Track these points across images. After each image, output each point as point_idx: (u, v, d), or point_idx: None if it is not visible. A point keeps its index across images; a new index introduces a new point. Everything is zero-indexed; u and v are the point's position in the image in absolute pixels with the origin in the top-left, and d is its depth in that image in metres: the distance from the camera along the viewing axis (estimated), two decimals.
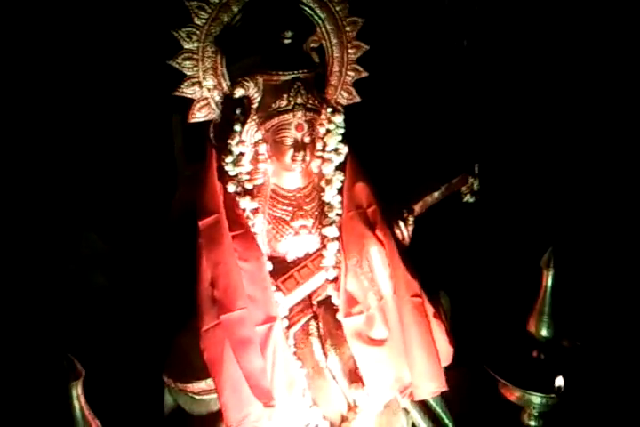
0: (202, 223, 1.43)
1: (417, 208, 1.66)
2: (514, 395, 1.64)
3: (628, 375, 1.90)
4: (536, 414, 1.63)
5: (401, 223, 1.61)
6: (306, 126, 1.45)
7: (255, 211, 1.50)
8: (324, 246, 1.56)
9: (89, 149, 2.03)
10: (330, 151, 1.54)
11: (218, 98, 1.48)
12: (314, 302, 1.57)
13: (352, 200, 1.56)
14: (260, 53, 1.45)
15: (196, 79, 1.45)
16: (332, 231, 1.55)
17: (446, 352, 1.60)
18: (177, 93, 1.45)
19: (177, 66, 1.43)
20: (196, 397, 1.48)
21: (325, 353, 1.55)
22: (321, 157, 1.54)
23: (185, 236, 1.47)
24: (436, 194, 1.69)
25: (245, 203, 1.49)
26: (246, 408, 1.38)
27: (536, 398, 1.60)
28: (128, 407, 1.67)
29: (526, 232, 2.12)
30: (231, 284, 1.40)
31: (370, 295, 1.53)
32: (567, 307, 1.65)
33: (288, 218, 1.54)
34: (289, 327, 1.52)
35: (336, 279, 1.56)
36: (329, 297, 1.57)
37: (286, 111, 1.42)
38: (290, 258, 1.56)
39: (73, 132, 2.02)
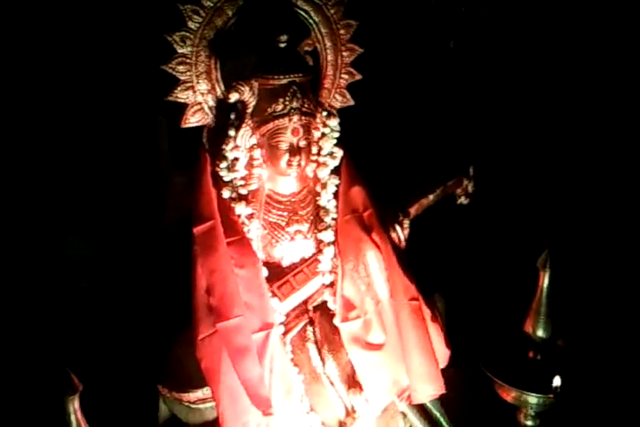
0: (197, 230, 1.42)
1: (412, 211, 1.66)
2: (510, 395, 1.65)
3: (625, 375, 1.91)
4: (532, 414, 1.64)
5: (397, 227, 1.61)
6: (301, 130, 1.44)
7: (250, 216, 1.49)
8: (320, 251, 1.55)
9: (74, 152, 2.01)
10: (325, 155, 1.53)
11: (211, 102, 1.47)
12: (310, 308, 1.56)
13: (348, 204, 1.55)
14: (256, 57, 1.43)
15: (190, 84, 1.44)
16: (327, 236, 1.54)
17: (443, 355, 1.61)
18: (170, 98, 1.43)
19: (170, 70, 1.41)
20: (192, 406, 1.47)
21: (322, 359, 1.54)
22: (316, 161, 1.53)
23: (179, 243, 1.45)
24: (431, 196, 1.69)
25: (240, 209, 1.47)
26: (245, 417, 1.37)
27: (532, 399, 1.60)
28: (123, 418, 1.65)
29: (522, 233, 2.13)
30: (227, 291, 1.39)
31: (367, 300, 1.52)
32: (563, 307, 1.65)
33: (283, 223, 1.53)
34: (285, 333, 1.51)
35: (332, 284, 1.55)
36: (325, 302, 1.56)
37: (282, 116, 1.41)
38: (285, 263, 1.55)
39: (61, 135, 2.00)
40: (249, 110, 1.43)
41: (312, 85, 1.49)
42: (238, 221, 1.46)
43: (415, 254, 1.65)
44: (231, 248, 1.43)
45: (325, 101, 1.57)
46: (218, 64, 1.43)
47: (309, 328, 1.55)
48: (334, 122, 1.52)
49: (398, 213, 1.63)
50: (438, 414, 1.66)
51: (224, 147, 1.44)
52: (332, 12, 1.50)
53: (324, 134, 1.52)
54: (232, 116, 1.44)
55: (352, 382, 1.54)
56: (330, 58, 1.55)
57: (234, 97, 1.40)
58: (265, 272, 1.49)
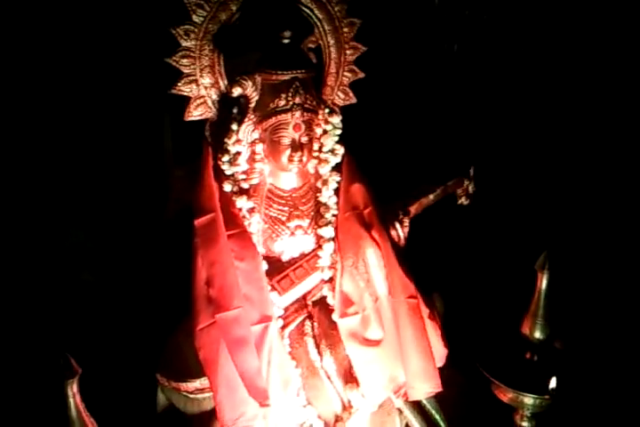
0: (198, 222, 1.43)
1: (412, 210, 1.66)
2: (507, 396, 1.64)
3: (621, 377, 1.90)
4: (529, 415, 1.63)
5: (397, 225, 1.61)
6: (303, 127, 1.45)
7: (251, 210, 1.50)
8: (320, 247, 1.56)
9: (77, 146, 2.02)
10: (326, 152, 1.54)
11: (215, 96, 1.48)
12: (308, 302, 1.57)
13: (348, 201, 1.56)
14: (260, 53, 1.44)
15: (193, 77, 1.45)
16: (327, 232, 1.55)
17: (441, 353, 1.61)
18: (173, 91, 1.44)
19: (174, 63, 1.42)
20: (190, 395, 1.47)
21: (320, 353, 1.54)
22: (317, 158, 1.54)
23: (180, 235, 1.46)
24: (431, 196, 1.69)
25: (242, 202, 1.48)
26: (241, 408, 1.37)
27: (529, 400, 1.60)
28: (121, 406, 1.66)
29: (521, 234, 2.13)
30: (227, 283, 1.40)
31: (365, 296, 1.53)
32: (561, 309, 1.65)
33: (284, 218, 1.54)
34: (284, 327, 1.52)
35: (331, 280, 1.56)
36: (324, 297, 1.57)
37: (284, 111, 1.42)
38: (285, 258, 1.56)
39: (63, 130, 2.01)
40: (252, 105, 1.44)
41: (315, 82, 1.50)
42: (239, 215, 1.48)
43: (415, 254, 1.66)
44: (231, 241, 1.44)
45: (328, 99, 1.59)
46: (222, 58, 1.45)
47: (308, 323, 1.56)
48: (336, 119, 1.53)
49: (398, 212, 1.64)
50: (434, 412, 1.66)
51: (226, 141, 1.45)
52: (336, 9, 1.52)
53: (325, 131, 1.53)
54: (235, 111, 1.45)
55: (349, 377, 1.54)
56: (333, 55, 1.56)
57: (237, 91, 1.42)
58: (265, 266, 1.49)
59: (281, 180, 1.54)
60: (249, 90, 1.42)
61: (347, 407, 1.54)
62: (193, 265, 1.42)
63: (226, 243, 1.42)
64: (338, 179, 1.56)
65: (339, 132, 1.54)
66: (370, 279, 1.54)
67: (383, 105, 2.00)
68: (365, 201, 1.57)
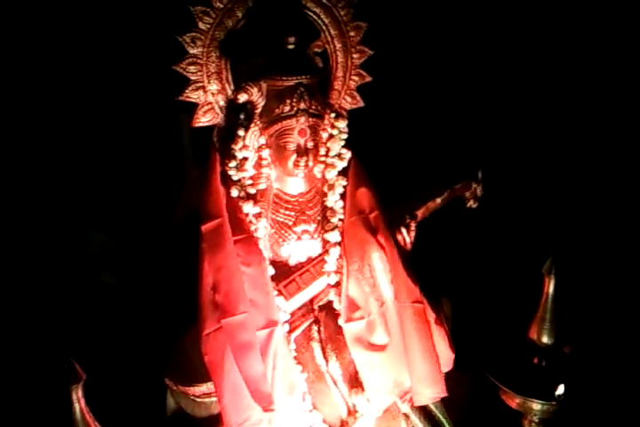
0: (204, 227, 1.44)
1: (419, 214, 1.65)
2: (514, 402, 1.64)
3: (630, 382, 1.89)
4: (536, 420, 1.63)
5: (403, 229, 1.60)
6: (309, 132, 1.45)
7: (258, 215, 1.51)
8: (326, 251, 1.56)
9: (98, 148, 2.05)
10: (333, 156, 1.55)
11: (222, 102, 1.49)
12: (315, 307, 1.57)
13: (354, 205, 1.55)
14: (265, 58, 1.45)
15: (201, 84, 1.46)
16: (334, 236, 1.55)
17: (447, 358, 1.60)
18: (181, 98, 1.45)
19: (181, 71, 1.43)
20: (198, 399, 1.49)
21: (326, 358, 1.55)
22: (324, 162, 1.54)
23: (188, 239, 1.47)
24: (438, 200, 1.68)
25: (248, 207, 1.49)
26: (246, 412, 1.38)
27: (536, 405, 1.60)
28: (131, 409, 1.67)
29: (528, 239, 2.12)
30: (233, 288, 1.41)
31: (371, 301, 1.53)
32: (569, 314, 1.64)
33: (290, 223, 1.54)
34: (290, 332, 1.52)
35: (338, 284, 1.56)
36: (330, 302, 1.57)
37: (289, 117, 1.43)
38: (292, 262, 1.56)
39: (83, 131, 2.04)
40: (258, 111, 1.45)
41: (322, 87, 1.50)
42: (246, 220, 1.48)
43: (423, 258, 1.65)
44: (238, 246, 1.44)
45: (335, 103, 1.58)
46: (228, 64, 1.46)
47: (314, 327, 1.56)
48: (342, 123, 1.53)
49: (405, 216, 1.63)
50: (442, 417, 1.66)
51: (233, 146, 1.46)
52: (342, 13, 1.52)
53: (332, 136, 1.53)
54: (241, 117, 1.45)
55: (355, 382, 1.54)
56: (340, 59, 1.56)
57: (242, 98, 1.42)
58: (271, 271, 1.50)
59: (288, 185, 1.54)
60: (254, 96, 1.43)
61: (352, 412, 1.54)
62: (199, 270, 1.43)
63: (232, 248, 1.43)
64: (344, 183, 1.56)
65: (345, 136, 1.54)
66: (375, 284, 1.53)
67: (390, 108, 2.00)
68: (371, 205, 1.56)
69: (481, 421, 1.75)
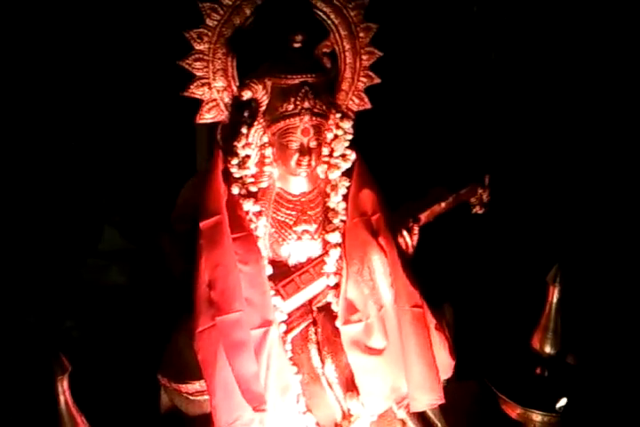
0: (203, 224, 1.43)
1: (423, 217, 1.63)
2: (515, 412, 1.63)
3: (633, 393, 1.85)
4: None
5: (405, 233, 1.58)
6: (312, 131, 1.44)
7: (258, 214, 1.50)
8: (327, 252, 1.55)
9: (113, 145, 2.06)
10: (337, 157, 1.53)
11: (227, 99, 1.48)
12: (314, 308, 1.56)
13: (357, 207, 1.54)
14: (271, 57, 1.44)
15: (206, 80, 1.45)
16: (334, 237, 1.54)
17: (446, 365, 1.58)
18: (186, 94, 1.45)
19: (187, 66, 1.43)
20: (191, 397, 1.48)
21: (322, 360, 1.53)
22: (327, 163, 1.53)
23: (186, 236, 1.47)
24: (443, 204, 1.65)
25: (249, 205, 1.48)
26: (237, 412, 1.37)
27: (537, 416, 1.59)
28: (125, 406, 1.67)
29: (533, 247, 2.09)
30: (229, 286, 1.40)
31: (370, 304, 1.51)
32: (573, 324, 1.62)
33: (291, 222, 1.53)
34: (287, 332, 1.51)
35: (337, 286, 1.54)
36: (329, 304, 1.56)
37: (293, 115, 1.42)
38: (291, 262, 1.55)
39: (99, 128, 2.06)
40: (262, 109, 1.44)
41: (328, 87, 1.49)
42: (245, 218, 1.48)
43: (426, 263, 1.64)
44: (236, 244, 1.44)
45: (342, 104, 1.57)
46: (235, 61, 1.45)
47: (312, 329, 1.55)
48: (347, 124, 1.52)
49: (409, 219, 1.61)
50: (439, 425, 1.64)
51: (236, 144, 1.45)
52: (352, 14, 1.50)
53: (336, 136, 1.52)
54: (245, 114, 1.45)
55: (350, 386, 1.53)
56: (348, 60, 1.54)
57: (247, 95, 1.41)
58: (270, 270, 1.49)
59: (290, 184, 1.53)
60: (259, 93, 1.42)
61: (346, 416, 1.53)
62: (196, 267, 1.43)
63: (230, 246, 1.42)
64: (347, 184, 1.55)
65: (350, 137, 1.53)
66: (375, 287, 1.52)
67: (398, 110, 1.99)
68: (374, 207, 1.55)
69: None
